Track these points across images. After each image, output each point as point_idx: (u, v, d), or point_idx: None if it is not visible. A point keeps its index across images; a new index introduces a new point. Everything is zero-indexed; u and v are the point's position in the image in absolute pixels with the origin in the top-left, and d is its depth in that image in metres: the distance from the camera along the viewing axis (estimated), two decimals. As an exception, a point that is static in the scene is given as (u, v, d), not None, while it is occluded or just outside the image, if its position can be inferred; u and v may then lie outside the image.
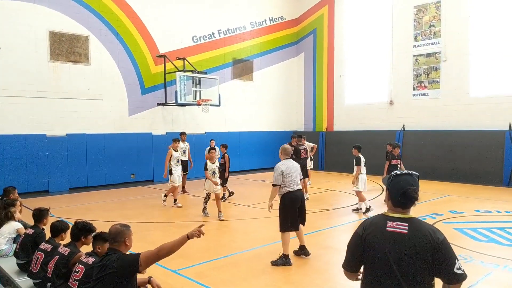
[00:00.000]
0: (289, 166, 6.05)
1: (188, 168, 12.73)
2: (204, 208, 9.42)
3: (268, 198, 6.26)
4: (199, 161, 12.69)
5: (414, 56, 16.31)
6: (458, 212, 9.51)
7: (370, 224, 2.49)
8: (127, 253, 3.53)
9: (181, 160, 11.48)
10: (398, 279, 2.31)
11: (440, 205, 10.32)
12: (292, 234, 6.18)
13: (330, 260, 6.34)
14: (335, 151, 18.02)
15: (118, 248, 3.45)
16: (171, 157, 10.83)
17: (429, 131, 15.62)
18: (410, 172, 2.51)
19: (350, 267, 2.57)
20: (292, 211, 5.94)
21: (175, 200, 10.73)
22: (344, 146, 18.08)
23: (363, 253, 2.46)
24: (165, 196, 10.74)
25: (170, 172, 10.71)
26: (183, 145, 12.42)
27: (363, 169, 9.72)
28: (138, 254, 3.28)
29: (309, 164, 13.80)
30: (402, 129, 16.58)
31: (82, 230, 4.32)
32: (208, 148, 11.80)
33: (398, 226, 2.36)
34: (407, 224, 2.35)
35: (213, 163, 9.19)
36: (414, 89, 16.38)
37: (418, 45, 16.21)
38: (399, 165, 10.63)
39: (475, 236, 7.48)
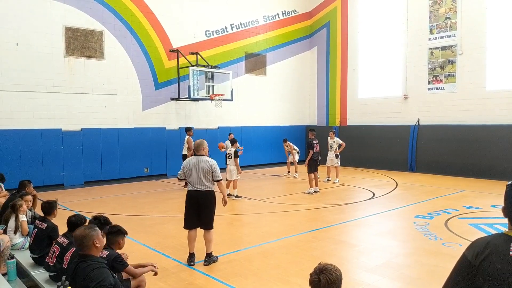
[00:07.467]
0: (191, 164, 5.89)
1: None
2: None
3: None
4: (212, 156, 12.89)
5: (430, 49, 16.03)
6: (473, 208, 9.37)
7: (485, 246, 1.86)
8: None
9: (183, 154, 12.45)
10: None
11: (455, 201, 10.18)
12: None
13: (344, 255, 6.31)
14: (348, 146, 17.80)
15: (88, 253, 3.35)
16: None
17: (444, 125, 15.39)
18: None
19: None
20: (186, 209, 5.93)
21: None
22: (357, 141, 17.97)
23: (473, 285, 1.86)
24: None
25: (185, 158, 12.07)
26: None
27: None
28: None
29: (336, 161, 13.78)
30: (417, 123, 16.37)
31: (104, 224, 4.34)
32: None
33: None
34: None
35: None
36: (429, 83, 16.12)
37: (433, 38, 15.92)
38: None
39: (490, 232, 7.36)
